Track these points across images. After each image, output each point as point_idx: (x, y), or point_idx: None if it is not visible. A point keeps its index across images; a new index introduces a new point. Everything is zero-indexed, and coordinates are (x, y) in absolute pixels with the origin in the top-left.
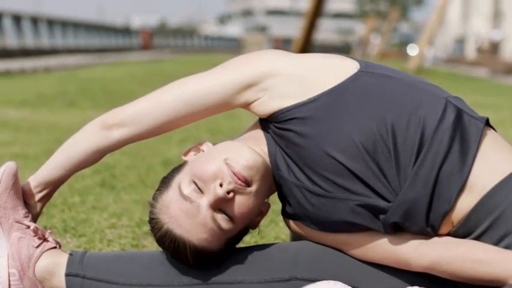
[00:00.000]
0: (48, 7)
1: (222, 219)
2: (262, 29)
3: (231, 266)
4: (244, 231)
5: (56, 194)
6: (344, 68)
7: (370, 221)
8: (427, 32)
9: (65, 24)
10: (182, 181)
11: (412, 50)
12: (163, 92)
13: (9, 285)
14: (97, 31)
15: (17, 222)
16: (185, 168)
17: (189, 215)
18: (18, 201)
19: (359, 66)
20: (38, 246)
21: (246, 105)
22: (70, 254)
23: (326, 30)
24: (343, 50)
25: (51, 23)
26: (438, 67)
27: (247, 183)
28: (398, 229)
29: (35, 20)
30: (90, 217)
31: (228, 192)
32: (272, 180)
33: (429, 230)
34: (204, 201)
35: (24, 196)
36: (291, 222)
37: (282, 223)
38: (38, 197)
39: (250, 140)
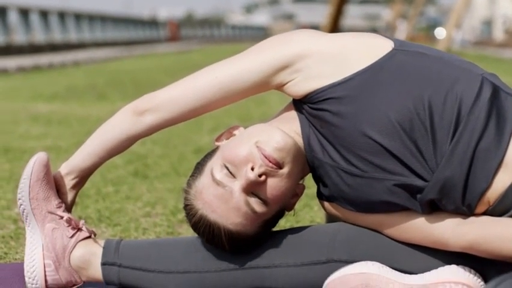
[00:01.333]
0: (75, 1)
1: (255, 203)
2: (289, 17)
3: (267, 250)
4: (279, 214)
5: (89, 185)
6: (379, 47)
7: (407, 200)
8: (454, 14)
9: (92, 18)
10: (215, 166)
11: (440, 33)
12: (196, 77)
13: (45, 276)
14: (124, 24)
15: (50, 213)
16: (217, 153)
17: (222, 199)
18: (51, 192)
19: (393, 45)
20: (72, 236)
21: (280, 87)
22: (105, 243)
23: (352, 17)
24: None
25: (78, 17)
26: (467, 50)
27: (279, 166)
28: (435, 209)
29: (62, 15)
30: (124, 206)
31: (260, 176)
32: (305, 162)
33: (465, 209)
34: (237, 185)
35: (57, 185)
36: (327, 204)
37: (316, 206)
38: (70, 184)
39: (282, 122)
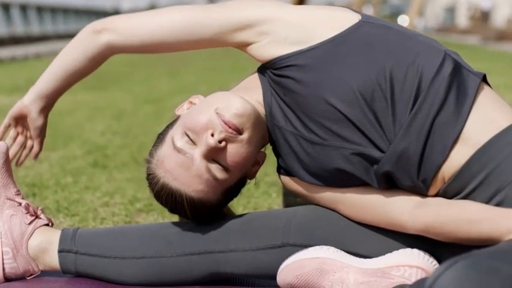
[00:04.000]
0: None
1: (216, 169)
2: None
3: (223, 235)
4: (241, 182)
5: (48, 176)
6: (346, 18)
7: (363, 171)
8: (417, 2)
9: (55, 10)
10: (175, 135)
11: (403, 21)
12: (162, 12)
13: (3, 263)
14: (87, 16)
15: (9, 199)
16: (178, 122)
17: (183, 167)
18: (10, 180)
19: (360, 17)
20: (30, 223)
21: (245, 46)
22: (62, 231)
23: (314, 3)
24: None
25: (40, 9)
26: (430, 36)
27: (239, 131)
28: (391, 186)
29: (24, 8)
30: (83, 197)
31: (220, 142)
32: (266, 130)
33: (421, 185)
34: (197, 152)
35: (23, 112)
36: (285, 179)
37: (275, 194)
38: (37, 108)
39: (244, 91)
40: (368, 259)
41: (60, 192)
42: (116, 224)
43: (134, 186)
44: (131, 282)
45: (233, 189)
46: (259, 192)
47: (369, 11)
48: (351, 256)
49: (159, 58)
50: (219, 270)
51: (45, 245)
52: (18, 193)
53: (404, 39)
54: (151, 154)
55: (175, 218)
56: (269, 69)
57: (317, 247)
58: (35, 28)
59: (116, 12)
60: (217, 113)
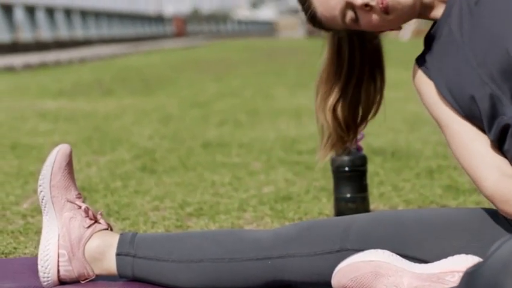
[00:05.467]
0: None
1: (349, 15)
2: (295, 11)
3: (281, 241)
4: (361, 47)
5: (97, 180)
6: None
7: (489, 116)
8: None
9: (98, 15)
10: None
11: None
12: None
13: (58, 266)
14: (131, 20)
15: (70, 201)
16: None
17: None
18: (71, 182)
19: None
20: (89, 227)
21: None
22: (121, 235)
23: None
24: None
25: (84, 14)
26: None
27: (387, 11)
28: (500, 147)
29: (68, 12)
30: (133, 201)
31: (366, 5)
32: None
33: None
34: None
35: None
36: (419, 73)
37: (325, 199)
38: None
39: None
40: (423, 264)
41: (110, 196)
42: (168, 228)
43: (183, 191)
44: (186, 286)
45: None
46: (309, 197)
47: None
48: (406, 261)
49: (202, 63)
50: (275, 277)
51: (103, 248)
52: (79, 196)
53: None
54: None
55: (226, 222)
56: None
57: (372, 250)
58: (79, 32)
59: (159, 16)
60: None
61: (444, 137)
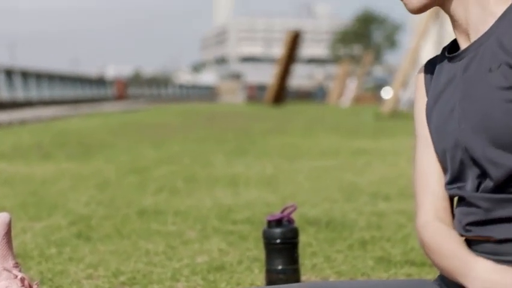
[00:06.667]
0: (22, 59)
1: None
2: (236, 76)
3: None
4: None
5: (32, 245)
6: None
7: (453, 171)
8: (400, 74)
9: (40, 76)
10: None
11: (386, 93)
12: None
13: None
14: (72, 82)
15: (6, 270)
16: None
17: None
18: (9, 251)
19: None
20: None
21: None
22: None
23: (299, 76)
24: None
25: (25, 75)
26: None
27: None
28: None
29: (9, 73)
30: (67, 268)
31: None
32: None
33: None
34: None
35: None
36: (420, 79)
37: (257, 270)
38: None
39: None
40: None
41: (45, 263)
42: None
43: (117, 259)
44: None
45: None
46: (242, 267)
47: (353, 83)
48: None
49: (143, 126)
50: None
51: None
52: (16, 265)
53: None
54: None
55: None
56: None
57: None
58: (20, 94)
59: (100, 78)
60: None
61: (414, 147)
